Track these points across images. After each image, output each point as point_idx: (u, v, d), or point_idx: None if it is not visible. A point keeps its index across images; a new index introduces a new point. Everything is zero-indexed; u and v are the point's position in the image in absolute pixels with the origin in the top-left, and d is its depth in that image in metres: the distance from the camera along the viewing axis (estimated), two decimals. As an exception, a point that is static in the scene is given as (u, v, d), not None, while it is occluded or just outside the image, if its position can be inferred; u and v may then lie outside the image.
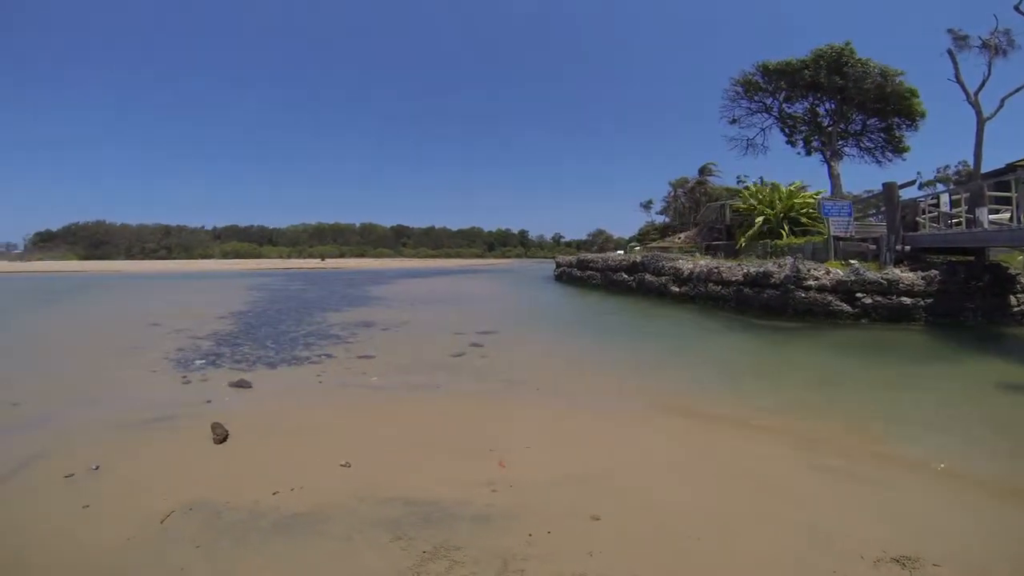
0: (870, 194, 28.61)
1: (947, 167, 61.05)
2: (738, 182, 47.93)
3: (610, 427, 6.06)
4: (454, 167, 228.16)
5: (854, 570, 3.10)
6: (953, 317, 13.26)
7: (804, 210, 23.33)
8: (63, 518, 3.83)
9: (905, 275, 13.76)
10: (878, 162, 34.27)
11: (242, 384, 7.91)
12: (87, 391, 7.83)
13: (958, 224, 15.33)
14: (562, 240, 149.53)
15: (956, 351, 10.85)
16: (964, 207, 14.77)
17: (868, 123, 33.51)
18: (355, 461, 4.79)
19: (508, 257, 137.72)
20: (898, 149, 33.28)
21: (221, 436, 5.46)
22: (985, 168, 28.19)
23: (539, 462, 4.82)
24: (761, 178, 30.16)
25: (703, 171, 51.66)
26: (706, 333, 13.56)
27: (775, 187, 25.93)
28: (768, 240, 22.05)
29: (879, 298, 13.64)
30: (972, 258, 14.60)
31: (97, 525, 3.70)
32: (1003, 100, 29.07)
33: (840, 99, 31.85)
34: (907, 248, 15.28)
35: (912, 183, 20.91)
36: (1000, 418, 6.62)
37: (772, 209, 24.02)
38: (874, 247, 15.92)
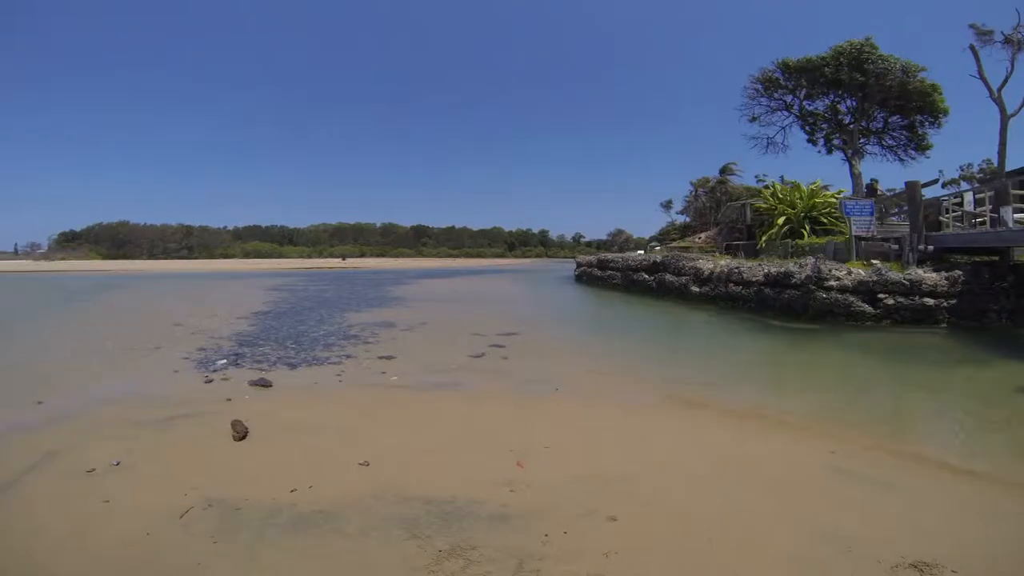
0: (892, 193, 28.22)
1: (970, 165, 59.78)
2: (757, 181, 47.54)
3: (629, 428, 6.04)
4: (476, 167, 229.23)
5: (871, 575, 3.07)
6: (977, 319, 13.01)
7: (825, 209, 23.11)
8: (84, 512, 3.90)
9: (928, 276, 13.54)
10: (900, 160, 33.80)
11: (262, 383, 7.98)
12: (110, 389, 7.96)
13: (982, 224, 15.06)
14: (582, 240, 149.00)
15: (980, 354, 10.64)
16: (988, 206, 14.49)
17: (890, 120, 33.01)
18: (374, 460, 4.82)
19: (529, 257, 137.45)
20: (921, 147, 32.73)
21: (241, 434, 5.52)
22: (1009, 166, 27.53)
23: (558, 462, 4.82)
24: (782, 177, 29.95)
25: (724, 170, 51.27)
26: (726, 334, 13.47)
27: (796, 186, 25.69)
28: (789, 240, 21.84)
29: (901, 299, 13.43)
30: (996, 258, 14.31)
31: (117, 519, 3.77)
32: (1028, 96, 28.38)
33: (861, 96, 31.37)
34: (930, 248, 15.02)
35: (935, 182, 20.56)
36: (1025, 422, 6.49)
37: (793, 209, 23.80)
38: (896, 247, 15.68)
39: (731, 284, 17.72)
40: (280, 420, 6.14)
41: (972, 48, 28.74)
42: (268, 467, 4.70)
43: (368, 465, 4.71)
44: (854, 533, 3.52)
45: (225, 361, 9.67)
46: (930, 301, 13.25)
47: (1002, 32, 29.32)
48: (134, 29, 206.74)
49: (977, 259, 14.51)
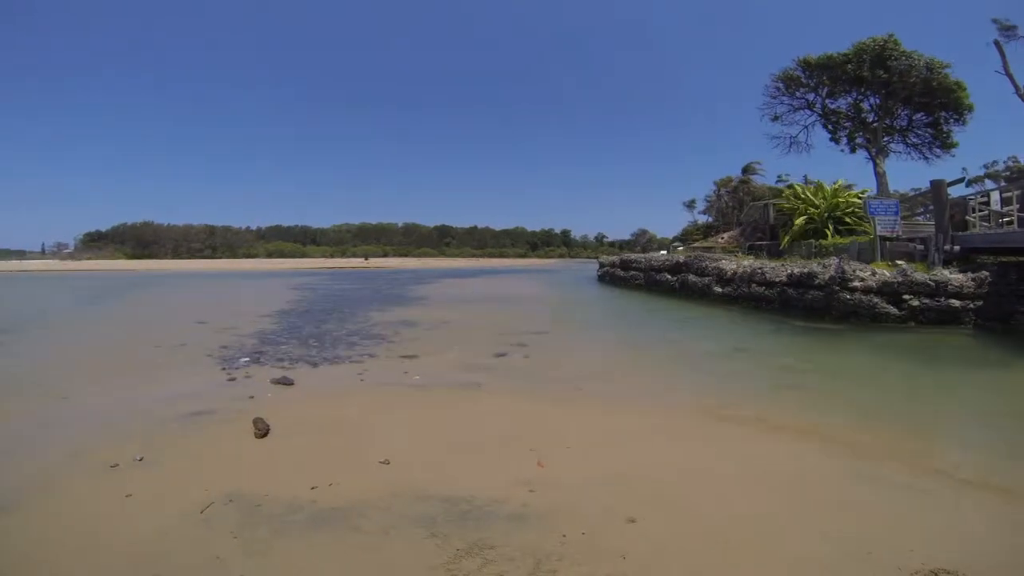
0: (917, 192, 27.77)
1: (995, 163, 58.57)
2: (779, 181, 47.06)
3: (651, 429, 6.01)
4: (499, 167, 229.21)
5: (891, 582, 3.02)
6: (1003, 321, 12.72)
7: (849, 209, 22.77)
8: (106, 506, 3.99)
9: (954, 276, 13.31)
10: (925, 158, 33.16)
11: (284, 381, 8.07)
12: (134, 385, 8.11)
13: (1009, 223, 14.79)
14: (605, 240, 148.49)
15: (1007, 356, 10.42)
16: (1016, 205, 14.24)
17: (914, 118, 32.42)
18: (394, 458, 4.85)
19: (551, 257, 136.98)
20: (946, 145, 32.07)
21: (262, 431, 5.59)
22: (1037, 164, 27.02)
23: (578, 463, 4.82)
24: (805, 176, 29.60)
25: (747, 170, 50.94)
26: (750, 336, 13.32)
27: (819, 186, 25.38)
28: (812, 240, 21.57)
29: (926, 300, 13.21)
30: (1025, 259, 14.06)
31: (138, 513, 3.85)
32: (1054, 93, 27.70)
33: (885, 93, 30.83)
34: (956, 248, 14.75)
35: (960, 181, 20.20)
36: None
37: (816, 208, 23.51)
38: (922, 247, 15.43)
39: (754, 284, 17.57)
40: (301, 418, 6.20)
41: (997, 43, 28.09)
42: (289, 464, 4.76)
43: (388, 463, 4.74)
44: (875, 539, 3.47)
45: (248, 359, 9.79)
46: (956, 303, 13.02)
47: (1027, 26, 28.67)
48: (158, 31, 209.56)
49: (1004, 259, 14.21)
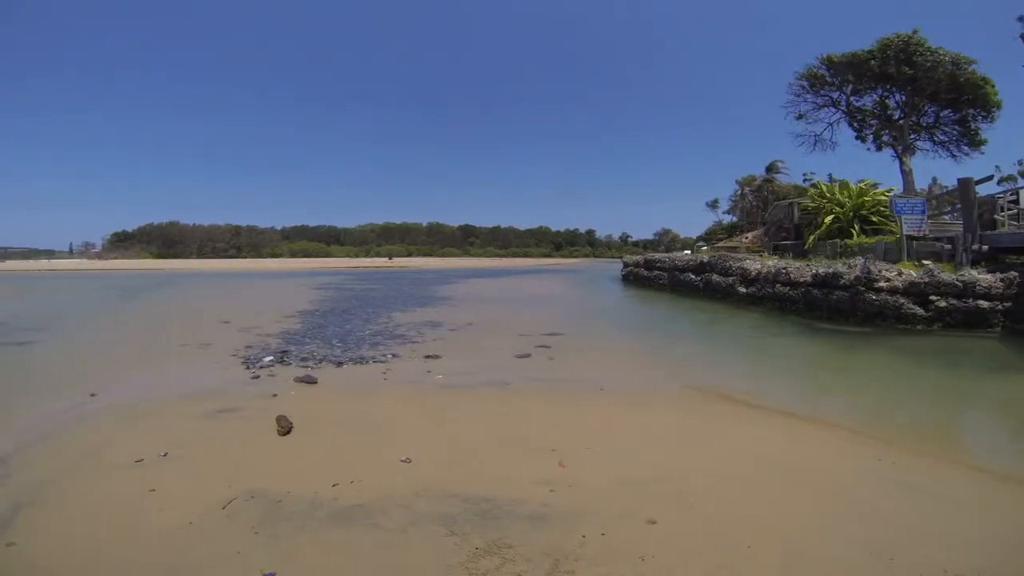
0: (945, 190, 27.27)
1: (1025, 160, 57.29)
2: (804, 180, 46.53)
3: (674, 429, 6.00)
4: (523, 167, 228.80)
5: (914, 587, 2.99)
6: (1034, 323, 12.48)
7: (875, 208, 22.40)
8: (130, 500, 4.09)
9: (983, 277, 13.03)
10: (953, 156, 32.52)
11: (308, 380, 8.16)
12: (160, 383, 8.28)
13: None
14: (629, 240, 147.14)
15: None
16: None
17: (941, 115, 31.77)
18: (416, 457, 4.89)
19: (576, 257, 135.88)
20: (974, 142, 31.42)
21: (286, 429, 5.66)
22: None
23: (599, 463, 4.82)
24: (830, 175, 29.19)
25: (770, 168, 50.40)
26: (774, 337, 13.18)
27: (844, 184, 25.03)
28: (838, 240, 21.25)
29: (954, 301, 12.94)
30: (1057, 259, 13.73)
31: (162, 508, 3.93)
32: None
33: (911, 90, 30.23)
34: (985, 248, 14.44)
35: (989, 179, 19.71)
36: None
37: (842, 207, 23.17)
38: (949, 247, 15.12)
39: (778, 285, 17.34)
40: (324, 416, 6.27)
41: (1023, 38, 27.63)
42: (311, 461, 4.82)
43: (410, 462, 4.78)
44: (897, 544, 3.42)
45: (272, 358, 9.91)
46: (984, 304, 12.74)
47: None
48: (180, 34, 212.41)
49: (1035, 259, 13.92)
